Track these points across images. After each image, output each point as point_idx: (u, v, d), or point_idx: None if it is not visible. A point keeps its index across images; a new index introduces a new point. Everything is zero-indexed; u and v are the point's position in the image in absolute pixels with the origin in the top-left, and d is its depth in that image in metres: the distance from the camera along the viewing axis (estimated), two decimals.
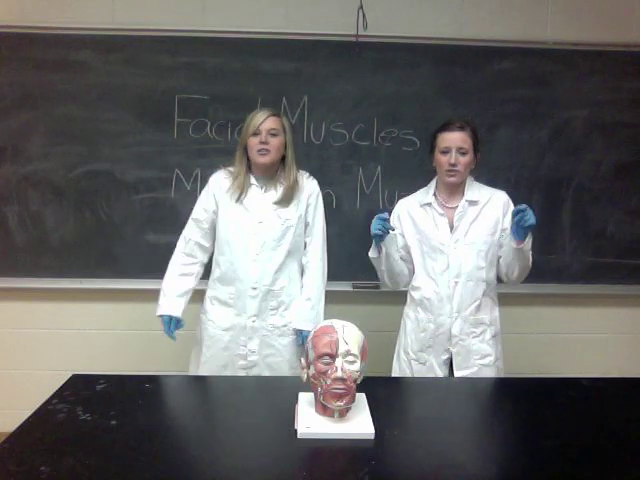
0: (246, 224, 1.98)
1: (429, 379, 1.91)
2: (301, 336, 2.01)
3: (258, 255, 1.98)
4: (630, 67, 2.62)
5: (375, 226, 1.80)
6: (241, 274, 1.99)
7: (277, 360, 2.01)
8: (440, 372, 1.97)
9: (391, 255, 1.93)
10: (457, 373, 1.96)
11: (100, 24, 2.52)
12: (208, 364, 2.02)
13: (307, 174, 2.09)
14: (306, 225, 2.06)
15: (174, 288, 2.02)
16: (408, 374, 2.03)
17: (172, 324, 1.99)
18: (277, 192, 2.00)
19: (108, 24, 2.52)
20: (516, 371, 2.44)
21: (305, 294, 2.04)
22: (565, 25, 2.62)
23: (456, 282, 1.93)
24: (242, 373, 2.00)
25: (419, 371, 2.00)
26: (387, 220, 1.80)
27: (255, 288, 1.98)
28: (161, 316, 2.01)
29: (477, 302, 1.95)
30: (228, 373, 1.99)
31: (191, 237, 2.05)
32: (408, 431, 1.35)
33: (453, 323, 1.94)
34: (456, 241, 1.93)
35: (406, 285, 2.07)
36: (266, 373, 2.00)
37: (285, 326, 2.02)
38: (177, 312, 1.99)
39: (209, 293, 2.07)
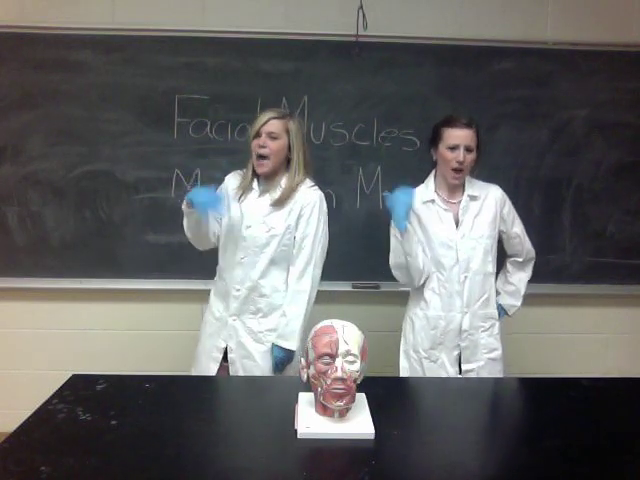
0: (237, 227, 1.98)
1: (429, 379, 1.91)
2: (275, 349, 1.95)
3: (243, 259, 1.97)
4: (630, 67, 2.62)
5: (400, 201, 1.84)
6: (228, 274, 2.00)
7: (250, 364, 1.97)
8: (451, 368, 1.97)
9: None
10: (464, 366, 1.97)
11: (100, 24, 2.52)
12: (198, 349, 2.08)
13: (311, 184, 2.00)
14: (294, 237, 1.97)
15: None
16: (419, 372, 2.03)
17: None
18: (271, 197, 1.96)
19: (108, 24, 2.52)
20: (516, 371, 2.44)
21: (283, 309, 1.96)
22: (565, 25, 2.62)
23: (465, 277, 1.94)
24: (213, 364, 2.00)
25: (430, 369, 2.00)
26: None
27: (238, 289, 1.98)
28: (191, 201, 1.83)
29: (485, 296, 1.97)
30: (204, 360, 2.02)
31: None
32: (408, 431, 1.35)
33: (463, 318, 1.95)
34: (462, 236, 1.94)
35: (420, 282, 2.00)
36: (240, 374, 1.98)
37: (261, 332, 1.98)
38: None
39: (212, 286, 2.12)
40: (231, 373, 2.00)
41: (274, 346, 1.96)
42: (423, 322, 2.02)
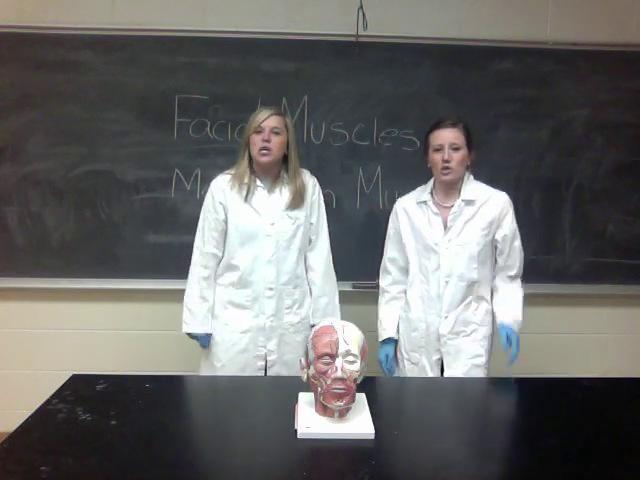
0: (259, 227, 1.98)
1: (429, 379, 1.91)
2: None
3: (272, 256, 1.99)
4: (630, 67, 2.62)
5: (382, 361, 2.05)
6: (257, 277, 1.99)
7: (292, 357, 2.02)
8: (431, 373, 1.96)
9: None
10: (447, 372, 1.94)
11: (100, 24, 2.52)
12: (226, 368, 2.02)
13: (307, 172, 2.10)
14: (311, 223, 2.07)
15: (201, 305, 2.04)
16: (401, 373, 2.03)
17: (206, 339, 2.05)
18: (282, 194, 2.01)
19: (108, 24, 2.52)
20: (516, 371, 2.43)
21: (320, 291, 2.07)
22: (565, 25, 2.62)
23: (447, 282, 1.92)
24: (260, 374, 2.02)
25: (411, 371, 2.00)
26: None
27: (272, 289, 2.00)
28: (192, 334, 2.06)
29: (468, 301, 1.93)
30: (247, 375, 2.01)
31: (206, 249, 2.03)
32: (408, 431, 1.35)
33: (442, 322, 1.93)
34: (449, 241, 1.92)
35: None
36: (283, 371, 2.03)
37: (299, 322, 2.06)
38: (209, 329, 2.04)
39: (221, 298, 2.05)
40: (270, 374, 2.03)
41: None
42: (406, 324, 2.02)
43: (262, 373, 2.03)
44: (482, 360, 1.94)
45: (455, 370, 1.93)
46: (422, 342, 1.97)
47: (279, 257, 1.99)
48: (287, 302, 2.03)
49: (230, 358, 2.02)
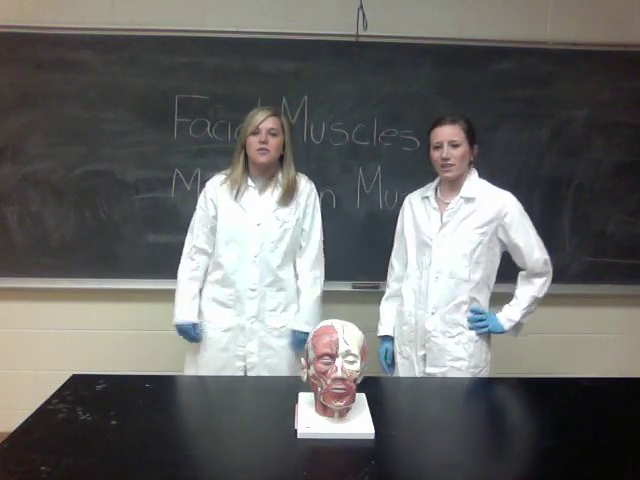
0: (245, 226, 1.98)
1: (429, 379, 1.90)
2: (297, 338, 2.01)
3: (257, 257, 1.98)
4: (630, 67, 2.62)
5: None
6: (240, 276, 1.99)
7: (276, 361, 2.02)
8: (417, 368, 1.95)
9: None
10: (428, 369, 1.93)
11: (100, 24, 2.52)
12: (207, 366, 2.02)
13: (305, 177, 2.09)
14: (302, 229, 2.06)
15: (187, 296, 2.04)
16: (397, 366, 2.04)
17: (194, 330, 2.03)
18: (273, 193, 2.01)
19: (108, 24, 2.52)
20: (516, 371, 2.44)
21: (302, 297, 2.05)
22: (565, 25, 2.62)
23: (437, 278, 1.90)
24: (240, 374, 2.01)
25: (403, 365, 2.00)
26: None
27: (254, 290, 1.99)
28: (179, 324, 2.04)
29: (456, 301, 1.90)
30: (226, 374, 2.00)
31: (195, 243, 2.05)
32: (408, 431, 1.35)
33: (428, 319, 1.92)
34: (443, 237, 1.91)
35: None
36: (265, 374, 2.00)
37: (283, 327, 2.03)
38: (195, 319, 2.02)
39: (207, 295, 2.06)
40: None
41: (299, 333, 2.00)
42: (399, 317, 2.03)
43: (241, 374, 2.02)
44: (464, 364, 1.90)
45: (434, 369, 1.92)
46: (411, 336, 1.97)
47: (263, 258, 1.98)
48: (270, 304, 2.01)
49: (211, 356, 2.02)
